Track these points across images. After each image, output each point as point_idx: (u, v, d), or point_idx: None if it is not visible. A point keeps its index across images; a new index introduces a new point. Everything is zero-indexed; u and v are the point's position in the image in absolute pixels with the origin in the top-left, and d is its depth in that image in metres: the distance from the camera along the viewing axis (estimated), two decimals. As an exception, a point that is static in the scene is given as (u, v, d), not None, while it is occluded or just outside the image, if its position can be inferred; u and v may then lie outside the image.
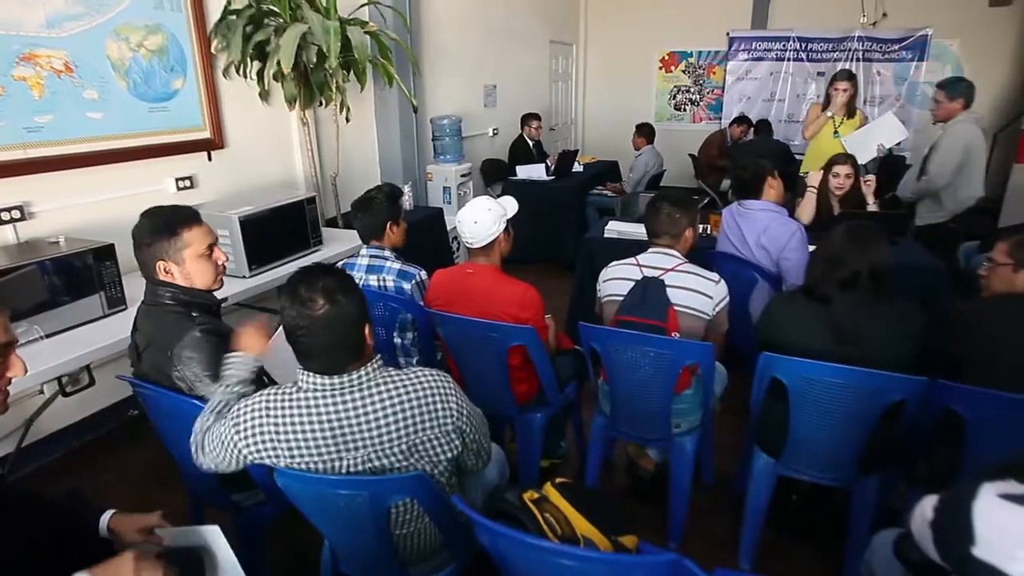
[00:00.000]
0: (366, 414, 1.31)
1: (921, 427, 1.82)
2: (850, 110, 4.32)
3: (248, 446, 1.35)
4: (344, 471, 1.33)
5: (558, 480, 1.44)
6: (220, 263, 1.76)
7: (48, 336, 2.12)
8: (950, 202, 3.67)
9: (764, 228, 2.84)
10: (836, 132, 4.31)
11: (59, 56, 2.51)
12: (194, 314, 1.67)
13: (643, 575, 1.13)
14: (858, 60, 7.25)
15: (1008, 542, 0.88)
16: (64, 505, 1.38)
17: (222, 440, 1.39)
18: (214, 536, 1.34)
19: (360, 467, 1.33)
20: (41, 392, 2.56)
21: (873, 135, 4.18)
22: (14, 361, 1.21)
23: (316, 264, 1.38)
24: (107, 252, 2.29)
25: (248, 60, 3.15)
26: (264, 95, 3.42)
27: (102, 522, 1.36)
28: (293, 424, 1.32)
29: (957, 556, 0.96)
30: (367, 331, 1.37)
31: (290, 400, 1.33)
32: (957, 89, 3.61)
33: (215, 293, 1.79)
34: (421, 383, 1.36)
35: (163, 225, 1.65)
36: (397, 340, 2.41)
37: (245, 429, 1.35)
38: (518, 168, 5.61)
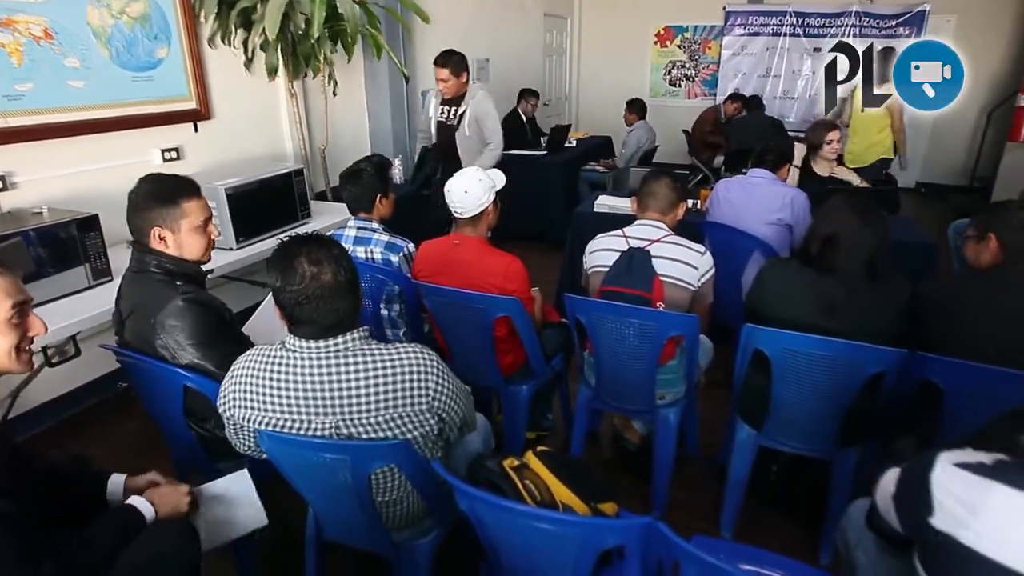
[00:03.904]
0: (339, 382, 1.32)
1: (900, 398, 1.84)
2: None
3: (233, 389, 1.39)
4: (312, 435, 1.35)
5: (539, 448, 1.45)
6: (213, 237, 1.77)
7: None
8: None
9: (791, 198, 2.95)
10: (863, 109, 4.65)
11: (38, 22, 2.46)
12: (178, 283, 1.66)
13: (618, 538, 1.15)
14: (855, 36, 7.17)
15: (962, 510, 0.89)
16: (68, 466, 1.43)
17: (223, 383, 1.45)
18: (242, 479, 1.57)
19: (327, 432, 1.34)
20: (28, 363, 2.55)
21: None
22: (33, 320, 1.22)
23: (304, 234, 1.36)
24: (92, 223, 2.28)
25: (232, 28, 3.09)
26: (248, 64, 3.37)
27: (115, 485, 1.41)
28: (270, 380, 1.34)
29: (917, 526, 0.97)
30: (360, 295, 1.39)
31: (274, 357, 1.36)
32: (463, 64, 3.84)
33: (203, 265, 1.79)
34: (401, 360, 1.35)
35: (165, 192, 1.65)
36: (384, 312, 2.40)
37: (234, 374, 1.40)
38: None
